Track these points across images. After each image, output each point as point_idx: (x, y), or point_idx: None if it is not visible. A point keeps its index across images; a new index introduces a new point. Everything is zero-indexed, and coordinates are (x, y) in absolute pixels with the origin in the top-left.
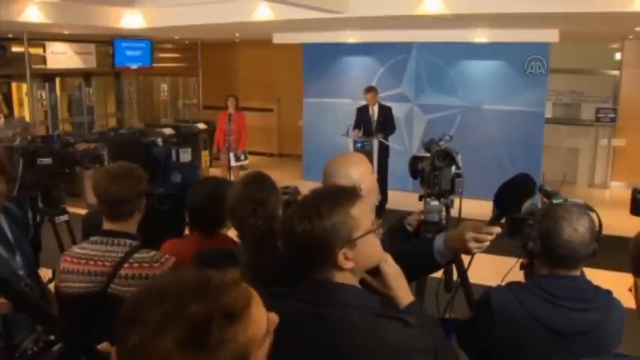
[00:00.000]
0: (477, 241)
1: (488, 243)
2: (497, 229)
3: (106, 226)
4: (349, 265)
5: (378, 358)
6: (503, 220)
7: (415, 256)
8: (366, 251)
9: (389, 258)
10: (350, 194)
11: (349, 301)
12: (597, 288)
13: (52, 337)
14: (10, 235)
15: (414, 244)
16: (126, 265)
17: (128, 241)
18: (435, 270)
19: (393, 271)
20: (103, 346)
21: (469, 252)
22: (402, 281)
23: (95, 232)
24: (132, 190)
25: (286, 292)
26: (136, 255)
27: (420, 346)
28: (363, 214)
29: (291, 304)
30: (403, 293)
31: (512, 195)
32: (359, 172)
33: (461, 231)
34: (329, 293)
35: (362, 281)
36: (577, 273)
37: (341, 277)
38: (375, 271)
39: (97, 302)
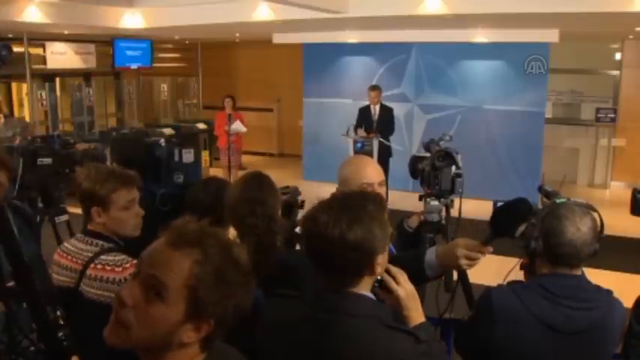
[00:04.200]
0: (468, 258)
1: (479, 261)
2: (490, 249)
3: (89, 225)
4: (380, 271)
5: None
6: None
7: (405, 267)
8: (384, 260)
9: (402, 277)
10: (382, 200)
11: (362, 311)
12: (598, 287)
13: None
14: (15, 231)
15: (404, 255)
16: (92, 265)
17: (101, 242)
18: (424, 282)
19: (405, 292)
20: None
21: (459, 268)
22: (415, 301)
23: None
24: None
25: (292, 294)
26: (103, 257)
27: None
28: None
29: (299, 308)
30: (415, 313)
31: (508, 219)
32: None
33: (453, 247)
34: (343, 301)
35: (375, 296)
36: (578, 272)
37: (359, 286)
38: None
39: (71, 298)
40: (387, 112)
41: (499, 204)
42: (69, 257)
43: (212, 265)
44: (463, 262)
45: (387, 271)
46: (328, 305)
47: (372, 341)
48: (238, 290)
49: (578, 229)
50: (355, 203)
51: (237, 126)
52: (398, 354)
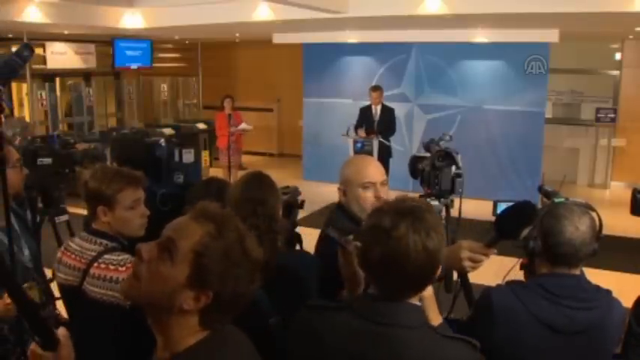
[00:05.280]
0: (471, 260)
1: (482, 263)
2: (493, 251)
3: (94, 224)
4: None
5: None
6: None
7: None
8: None
9: None
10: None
11: (418, 322)
12: (597, 287)
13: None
14: (18, 230)
15: None
16: (95, 264)
17: (105, 241)
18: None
19: (425, 294)
20: (62, 331)
21: (463, 270)
22: (433, 303)
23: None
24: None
25: (331, 306)
26: (106, 256)
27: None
28: None
29: (349, 321)
30: (434, 315)
31: (512, 222)
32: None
33: (456, 249)
34: (399, 312)
35: None
36: (577, 272)
37: (414, 297)
38: None
39: (75, 297)
40: (388, 113)
41: (500, 204)
42: (73, 256)
43: (223, 243)
44: (467, 264)
45: None
46: (384, 317)
47: (435, 353)
48: (241, 275)
49: (576, 229)
50: (424, 212)
51: (243, 126)
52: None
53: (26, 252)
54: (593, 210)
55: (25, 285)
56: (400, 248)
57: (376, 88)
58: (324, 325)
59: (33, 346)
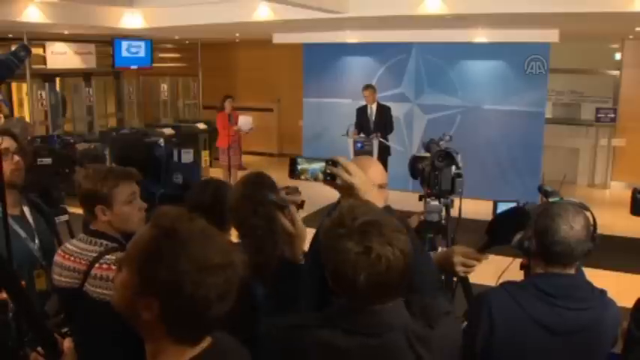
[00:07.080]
0: (464, 265)
1: (475, 268)
2: (486, 256)
3: (91, 225)
4: None
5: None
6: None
7: None
8: None
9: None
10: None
11: (401, 321)
12: (592, 288)
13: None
14: (31, 221)
15: None
16: (97, 265)
17: (105, 242)
18: None
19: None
20: (66, 343)
21: (456, 275)
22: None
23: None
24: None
25: (311, 324)
26: (108, 256)
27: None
28: None
29: (335, 338)
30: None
31: (505, 227)
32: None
33: (449, 254)
34: (381, 319)
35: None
36: (572, 271)
37: None
38: None
39: (75, 299)
40: (384, 111)
41: (500, 204)
42: (72, 258)
43: (165, 248)
44: (459, 269)
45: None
46: (370, 327)
47: (426, 342)
48: (186, 281)
49: (571, 228)
50: (380, 220)
51: (245, 122)
52: (456, 336)
53: (37, 241)
54: (588, 209)
55: (35, 272)
56: (382, 266)
57: (367, 87)
58: (311, 346)
59: (34, 356)
